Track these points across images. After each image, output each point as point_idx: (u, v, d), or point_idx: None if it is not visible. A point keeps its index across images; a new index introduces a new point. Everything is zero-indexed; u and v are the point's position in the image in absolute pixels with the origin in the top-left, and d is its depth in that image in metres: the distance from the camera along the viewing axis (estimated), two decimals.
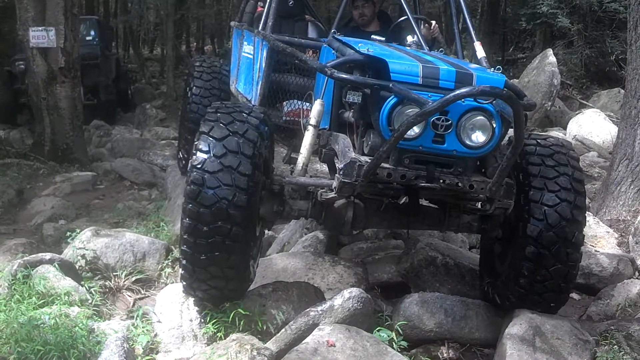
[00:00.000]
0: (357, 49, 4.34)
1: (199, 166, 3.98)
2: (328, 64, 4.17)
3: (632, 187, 6.61)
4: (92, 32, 15.88)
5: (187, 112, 7.46)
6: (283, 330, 4.31)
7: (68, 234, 6.19)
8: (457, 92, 3.52)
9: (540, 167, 4.46)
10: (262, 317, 4.44)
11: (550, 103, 12.30)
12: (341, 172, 3.99)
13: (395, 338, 4.38)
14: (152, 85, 20.11)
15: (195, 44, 31.78)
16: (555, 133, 10.54)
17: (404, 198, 4.34)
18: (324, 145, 4.51)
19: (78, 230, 6.09)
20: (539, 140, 4.69)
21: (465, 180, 4.02)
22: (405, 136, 3.76)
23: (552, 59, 12.94)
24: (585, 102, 13.77)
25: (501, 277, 4.69)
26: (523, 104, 3.90)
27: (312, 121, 4.37)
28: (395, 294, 5.29)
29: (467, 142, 3.91)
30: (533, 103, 4.21)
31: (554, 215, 4.32)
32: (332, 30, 5.16)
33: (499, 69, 4.22)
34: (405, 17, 5.47)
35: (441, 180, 4.00)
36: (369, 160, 3.94)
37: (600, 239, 6.18)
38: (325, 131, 4.52)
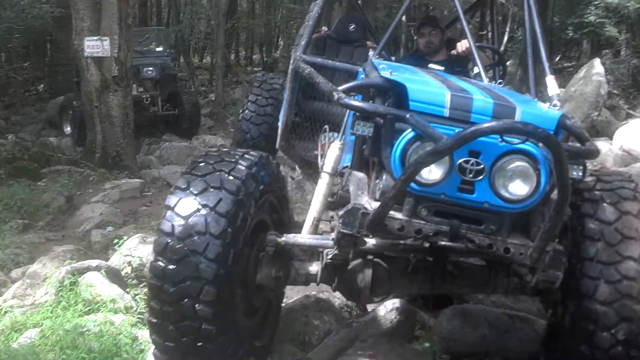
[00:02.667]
0: (379, 72, 3.74)
1: (159, 250, 3.35)
2: (340, 88, 3.55)
3: None
4: (163, 43, 15.97)
5: (238, 130, 7.25)
6: (325, 341, 4.28)
7: (115, 240, 6.32)
8: (477, 127, 2.86)
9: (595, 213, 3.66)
10: (304, 328, 4.44)
11: (597, 113, 12.15)
12: (341, 221, 3.30)
13: (437, 351, 4.24)
14: (201, 94, 20.43)
15: (244, 53, 32.13)
16: (602, 143, 10.45)
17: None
18: (344, 187, 3.81)
19: (125, 237, 6.19)
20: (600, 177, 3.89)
21: (500, 242, 3.25)
22: (424, 181, 3.14)
23: (600, 68, 12.79)
24: (632, 112, 13.58)
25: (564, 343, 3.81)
26: (577, 150, 3.30)
27: (327, 167, 3.73)
28: (438, 305, 4.90)
29: (503, 193, 3.18)
30: (594, 150, 3.37)
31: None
32: (371, 54, 4.70)
33: (555, 105, 3.63)
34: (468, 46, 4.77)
35: (468, 240, 3.26)
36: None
37: None
38: (347, 169, 3.83)
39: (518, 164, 3.14)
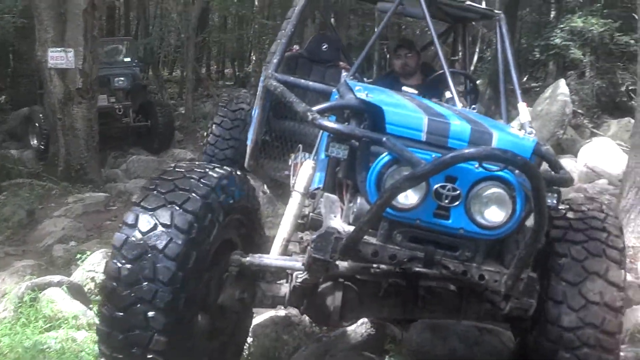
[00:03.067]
0: (354, 93, 3.68)
1: (111, 274, 3.11)
2: (314, 108, 3.44)
3: None
4: (131, 54, 15.56)
5: (203, 153, 7.02)
6: (294, 357, 4.25)
7: (78, 256, 6.20)
8: (456, 152, 2.81)
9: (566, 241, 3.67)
10: (274, 344, 4.39)
11: (562, 131, 12.37)
12: (313, 245, 3.18)
13: None
14: (171, 107, 20.32)
15: (215, 67, 32.04)
16: (567, 160, 10.58)
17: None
18: (315, 209, 3.71)
19: (88, 252, 6.10)
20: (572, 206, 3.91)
21: (475, 269, 3.21)
22: (400, 206, 3.08)
23: (565, 88, 13.04)
24: (596, 130, 13.82)
25: None
26: (552, 177, 3.32)
27: (299, 186, 3.58)
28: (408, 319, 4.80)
29: (479, 219, 3.14)
30: (568, 178, 3.42)
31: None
32: (344, 74, 4.57)
33: (530, 133, 3.62)
34: (442, 71, 4.72)
35: (443, 266, 3.22)
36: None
37: None
38: (319, 191, 3.73)
39: (494, 190, 3.11)
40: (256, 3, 23.55)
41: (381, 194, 3.02)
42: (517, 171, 3.03)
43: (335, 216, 3.35)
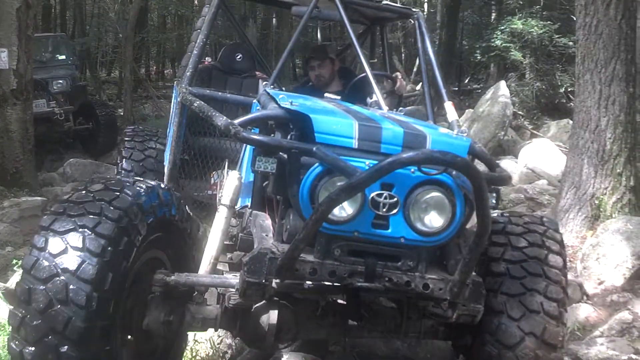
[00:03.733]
0: (278, 102, 3.47)
1: (21, 298, 2.87)
2: (236, 121, 3.25)
3: (579, 214, 6.76)
4: (66, 51, 14.92)
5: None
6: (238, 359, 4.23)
7: (15, 261, 6.00)
8: (393, 158, 2.62)
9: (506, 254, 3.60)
10: (217, 347, 4.34)
11: (503, 133, 12.55)
12: (246, 268, 2.98)
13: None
14: (112, 108, 19.97)
15: (155, 67, 31.62)
16: (508, 161, 10.72)
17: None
18: (244, 228, 3.56)
19: None
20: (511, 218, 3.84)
21: (418, 279, 3.08)
22: (335, 219, 2.91)
23: (505, 90, 13.26)
24: (536, 132, 14.05)
25: None
26: (491, 177, 3.27)
27: (225, 199, 3.39)
28: None
29: (419, 226, 3.01)
30: (506, 176, 3.39)
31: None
32: (264, 84, 4.24)
33: (463, 132, 3.51)
34: (364, 74, 4.54)
35: (386, 279, 3.06)
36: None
37: None
38: (247, 209, 3.59)
39: (433, 194, 2.99)
40: (196, 2, 23.39)
41: (316, 207, 2.80)
42: (454, 173, 2.93)
43: (267, 235, 3.18)
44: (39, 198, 9.49)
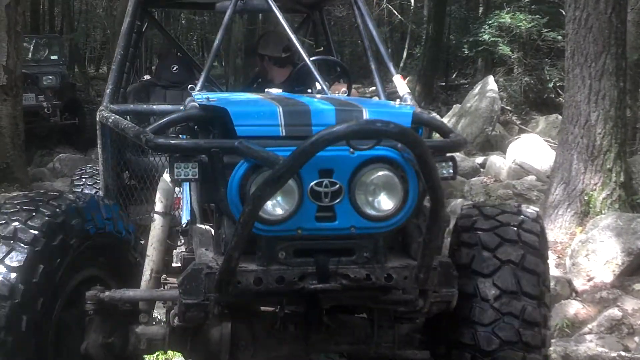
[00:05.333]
0: (195, 100, 3.12)
1: None
2: (148, 128, 2.89)
3: (568, 210, 6.81)
4: (58, 51, 15.25)
5: None
6: None
7: None
8: (316, 136, 2.29)
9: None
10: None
11: (491, 128, 12.61)
12: (181, 290, 2.71)
13: None
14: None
15: (143, 63, 31.56)
16: (496, 157, 10.77)
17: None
18: (188, 247, 3.27)
19: None
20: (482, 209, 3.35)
21: (378, 270, 2.74)
22: (272, 218, 2.63)
23: (493, 85, 13.30)
24: (524, 127, 14.12)
25: None
26: (441, 144, 2.96)
27: (158, 206, 3.14)
28: None
29: (369, 211, 2.71)
30: (460, 140, 3.02)
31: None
32: (189, 87, 3.90)
33: (406, 101, 3.23)
34: (303, 63, 4.26)
35: (341, 276, 2.72)
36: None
37: None
38: (190, 226, 3.31)
39: (379, 174, 2.69)
40: None
41: (244, 208, 2.50)
42: (399, 146, 2.64)
43: (207, 249, 2.90)
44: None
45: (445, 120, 13.99)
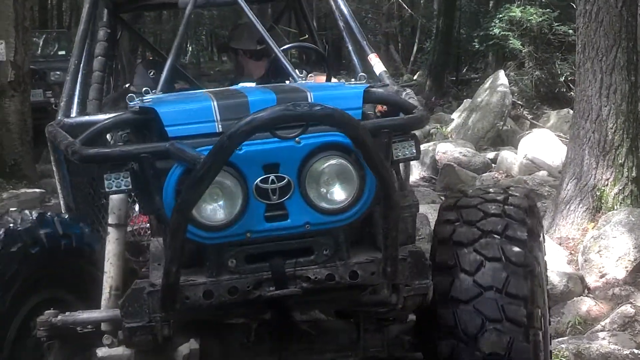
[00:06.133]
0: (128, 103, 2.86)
1: None
2: (78, 138, 2.65)
3: (580, 205, 6.72)
4: (67, 47, 14.89)
5: None
6: None
7: None
8: (233, 129, 2.13)
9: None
10: None
11: (502, 123, 12.53)
12: (122, 313, 2.50)
13: None
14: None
15: (150, 58, 31.66)
16: (507, 152, 10.70)
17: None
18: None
19: None
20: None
21: (342, 268, 2.52)
22: (213, 223, 2.42)
23: (504, 79, 13.21)
24: (535, 122, 14.02)
25: None
26: (398, 122, 2.71)
27: (112, 219, 2.85)
28: None
29: (324, 205, 2.49)
30: (419, 117, 2.76)
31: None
32: (145, 90, 3.65)
33: (362, 79, 2.94)
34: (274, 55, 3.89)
35: (301, 279, 2.50)
36: None
37: (550, 257, 6.27)
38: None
39: (330, 162, 2.47)
40: None
41: (172, 216, 2.30)
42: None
43: (159, 264, 2.65)
44: (37, 190, 9.57)
45: (455, 115, 13.94)
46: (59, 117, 3.62)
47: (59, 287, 3.00)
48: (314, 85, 3.08)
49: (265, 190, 2.43)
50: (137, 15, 15.75)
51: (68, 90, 3.82)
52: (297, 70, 3.74)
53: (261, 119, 2.09)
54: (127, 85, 5.65)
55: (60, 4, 28.25)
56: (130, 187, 2.51)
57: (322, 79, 4.19)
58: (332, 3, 4.05)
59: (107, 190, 2.51)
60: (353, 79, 3.07)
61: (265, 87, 2.91)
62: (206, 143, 2.39)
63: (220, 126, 2.52)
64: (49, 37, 15.22)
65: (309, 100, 2.59)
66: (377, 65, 3.65)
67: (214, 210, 2.42)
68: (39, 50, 14.22)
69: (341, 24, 4.04)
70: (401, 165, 3.10)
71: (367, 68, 3.83)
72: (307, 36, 5.41)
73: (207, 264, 2.50)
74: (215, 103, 2.58)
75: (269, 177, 2.43)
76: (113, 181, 2.49)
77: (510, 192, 3.08)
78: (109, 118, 2.83)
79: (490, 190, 3.13)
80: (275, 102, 2.53)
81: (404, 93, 3.09)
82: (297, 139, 2.36)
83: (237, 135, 2.12)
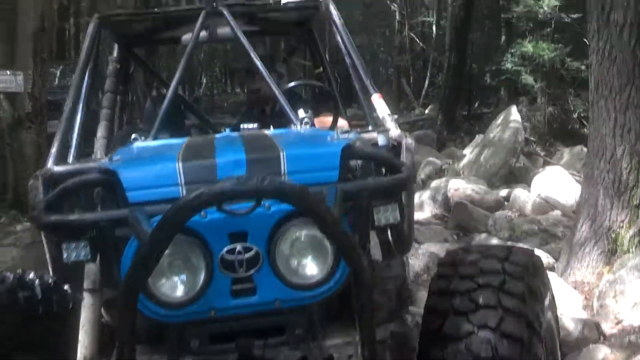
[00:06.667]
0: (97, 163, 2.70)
1: None
2: (45, 198, 2.48)
3: (595, 248, 6.65)
4: None
5: None
6: None
7: None
8: (176, 203, 1.98)
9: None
10: None
11: (514, 159, 12.47)
12: None
13: None
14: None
15: (160, 93, 31.86)
16: (520, 190, 10.65)
17: None
18: None
19: None
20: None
21: (316, 350, 2.32)
22: (173, 300, 2.23)
23: (516, 115, 13.18)
24: (548, 159, 13.96)
25: None
26: (375, 185, 2.45)
27: (86, 283, 2.63)
28: None
29: (296, 279, 2.29)
30: (404, 178, 2.50)
31: None
32: (133, 137, 3.33)
33: (347, 132, 2.78)
34: (288, 89, 3.98)
35: None
36: None
37: (565, 302, 6.21)
38: None
39: (303, 232, 2.27)
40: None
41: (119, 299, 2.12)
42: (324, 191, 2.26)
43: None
44: None
45: (467, 150, 13.91)
46: (48, 165, 3.32)
47: (35, 352, 2.83)
48: (292, 142, 2.83)
49: (232, 262, 2.24)
50: (151, 49, 15.92)
51: (62, 134, 3.55)
52: (302, 110, 3.85)
53: (209, 194, 1.96)
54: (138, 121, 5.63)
55: (78, 35, 28.45)
56: (90, 257, 2.38)
57: (325, 119, 4.25)
58: (339, 40, 4.02)
59: (65, 260, 2.37)
60: (344, 127, 3.08)
61: (240, 142, 2.75)
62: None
63: (184, 190, 2.35)
64: (66, 68, 15.33)
65: (282, 161, 2.41)
66: (381, 107, 3.55)
67: (175, 285, 2.23)
68: (56, 81, 14.31)
69: (348, 60, 3.93)
70: (405, 219, 2.76)
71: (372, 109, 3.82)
72: (320, 69, 5.46)
73: (167, 344, 2.34)
74: (180, 165, 2.41)
75: (236, 247, 2.25)
76: (72, 251, 2.37)
77: (512, 250, 2.92)
78: (75, 179, 2.64)
79: (491, 247, 2.99)
80: (245, 163, 2.41)
81: (404, 141, 2.91)
82: (266, 204, 2.21)
83: (182, 212, 1.98)
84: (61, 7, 23.00)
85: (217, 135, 3.26)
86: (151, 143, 3.19)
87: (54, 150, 3.41)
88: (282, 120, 3.83)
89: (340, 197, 2.20)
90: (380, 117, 3.41)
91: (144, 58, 5.39)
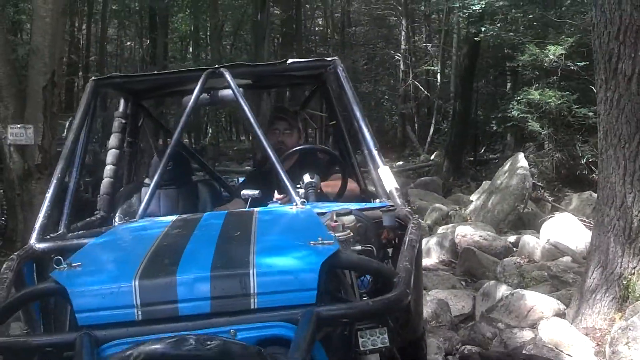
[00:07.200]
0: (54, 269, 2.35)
1: None
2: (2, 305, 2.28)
3: (607, 294, 6.61)
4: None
5: None
6: None
7: None
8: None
9: None
10: None
11: (523, 205, 12.46)
12: None
13: None
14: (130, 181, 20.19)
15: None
16: (529, 236, 10.61)
17: None
18: None
19: None
20: None
21: None
22: None
23: (524, 162, 13.21)
24: (557, 204, 13.95)
25: None
26: (361, 309, 2.13)
27: None
28: None
29: None
30: (396, 298, 2.14)
31: None
32: (117, 220, 3.06)
33: (343, 233, 2.53)
34: (301, 149, 3.95)
35: None
36: None
37: (576, 348, 6.14)
38: None
39: None
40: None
41: None
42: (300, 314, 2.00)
43: None
44: None
45: (474, 196, 13.92)
46: (31, 241, 3.17)
47: None
48: (271, 244, 2.51)
49: None
50: (159, 101, 16.21)
51: (48, 205, 3.28)
52: (308, 175, 3.74)
53: (139, 357, 1.81)
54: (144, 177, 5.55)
55: (86, 86, 28.96)
56: None
57: (337, 183, 4.18)
58: (348, 103, 3.94)
59: None
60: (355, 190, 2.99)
61: (214, 243, 2.49)
62: (122, 335, 2.04)
63: (139, 313, 2.08)
64: (74, 120, 15.51)
65: (251, 277, 2.10)
66: (388, 180, 3.45)
67: None
68: (65, 132, 14.49)
69: (357, 125, 3.83)
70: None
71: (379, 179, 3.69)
72: (334, 122, 5.48)
73: None
74: (136, 284, 2.11)
75: None
76: None
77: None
78: (27, 288, 2.45)
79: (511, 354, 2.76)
80: (209, 281, 2.11)
81: (411, 224, 2.72)
82: (231, 330, 1.99)
83: None
84: (70, 61, 23.39)
85: (202, 219, 3.03)
86: (133, 226, 2.99)
87: (37, 225, 3.21)
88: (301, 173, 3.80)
89: (315, 323, 1.95)
90: (388, 191, 3.32)
91: (152, 107, 5.37)
